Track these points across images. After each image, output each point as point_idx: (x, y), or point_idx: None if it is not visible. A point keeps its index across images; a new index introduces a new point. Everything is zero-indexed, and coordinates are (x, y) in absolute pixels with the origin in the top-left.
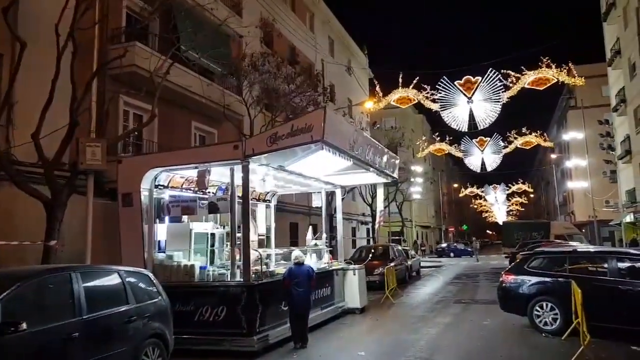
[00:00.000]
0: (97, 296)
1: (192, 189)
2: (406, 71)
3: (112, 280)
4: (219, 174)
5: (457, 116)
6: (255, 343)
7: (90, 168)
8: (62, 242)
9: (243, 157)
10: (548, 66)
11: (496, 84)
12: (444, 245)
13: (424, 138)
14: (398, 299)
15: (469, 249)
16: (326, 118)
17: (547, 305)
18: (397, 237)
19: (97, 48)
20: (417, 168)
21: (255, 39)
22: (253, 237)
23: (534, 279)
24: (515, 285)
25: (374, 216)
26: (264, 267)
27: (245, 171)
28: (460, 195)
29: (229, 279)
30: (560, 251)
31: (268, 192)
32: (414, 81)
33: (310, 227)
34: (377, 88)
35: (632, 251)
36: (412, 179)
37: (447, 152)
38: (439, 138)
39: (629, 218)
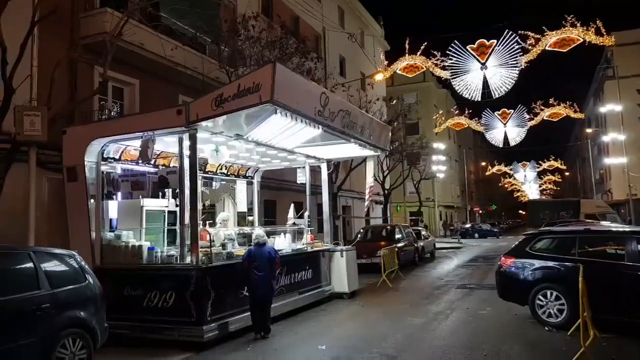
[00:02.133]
0: None
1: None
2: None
3: (20, 262)
4: (170, 144)
5: (469, 84)
6: (204, 333)
7: (29, 140)
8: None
9: (187, 123)
10: (573, 25)
11: (513, 47)
12: (467, 225)
13: (440, 112)
14: (397, 283)
15: (495, 230)
16: (276, 75)
17: (551, 294)
18: (415, 218)
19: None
20: (440, 145)
21: (252, 7)
22: (225, 216)
23: (537, 263)
24: (516, 270)
25: (386, 195)
26: (221, 248)
27: (193, 141)
28: (487, 173)
29: (177, 262)
30: (569, 230)
31: (249, 168)
32: (422, 47)
33: (292, 204)
34: (382, 57)
35: None
36: (434, 157)
37: (466, 126)
38: (457, 112)
39: None
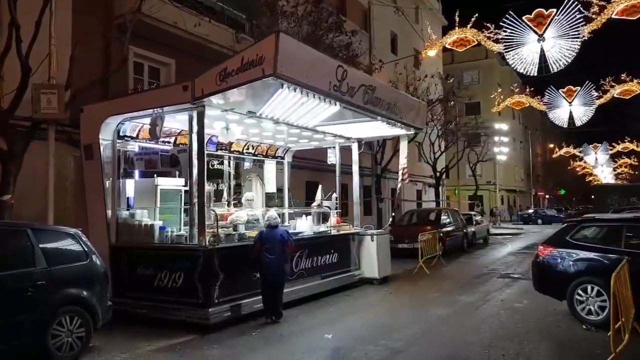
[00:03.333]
0: None
1: (165, 140)
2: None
3: (15, 239)
4: (185, 122)
5: (524, 57)
6: (210, 315)
7: (46, 117)
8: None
9: (192, 99)
10: None
11: (574, 17)
12: (530, 211)
13: (499, 90)
14: (437, 269)
15: (561, 216)
16: (279, 46)
17: (592, 288)
18: (473, 202)
19: None
20: (502, 126)
21: None
22: (250, 196)
23: (579, 254)
24: (554, 260)
25: (437, 178)
26: (232, 229)
27: (200, 118)
28: (554, 156)
29: (186, 242)
30: (616, 218)
31: (279, 148)
32: (472, 19)
33: (320, 186)
34: (430, 31)
35: None
36: (495, 138)
37: (527, 105)
38: (517, 89)
39: None
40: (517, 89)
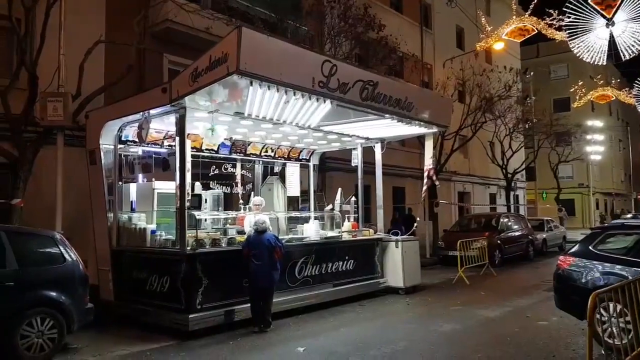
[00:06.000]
0: None
1: (165, 145)
2: None
3: None
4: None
5: (592, 45)
6: (190, 321)
7: (52, 124)
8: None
9: (170, 101)
10: None
11: None
12: (628, 215)
13: (580, 83)
14: (482, 280)
15: None
16: (242, 41)
17: (615, 307)
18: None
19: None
20: (596, 123)
21: None
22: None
23: (601, 266)
24: (574, 274)
25: (509, 181)
26: (219, 234)
27: (181, 120)
28: None
29: (172, 246)
30: None
31: (302, 150)
32: (531, 6)
33: (340, 189)
34: (484, 22)
35: None
36: (589, 136)
37: (613, 98)
38: (602, 82)
39: None
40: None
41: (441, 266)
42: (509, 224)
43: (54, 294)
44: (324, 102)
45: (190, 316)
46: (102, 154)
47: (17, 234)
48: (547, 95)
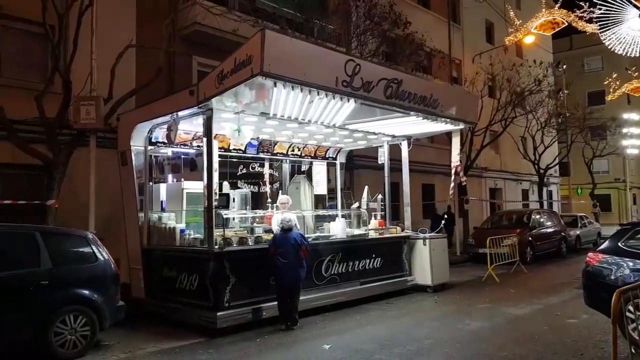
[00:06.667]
0: None
1: (194, 146)
2: None
3: (22, 241)
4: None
5: (624, 37)
6: (218, 319)
7: (85, 128)
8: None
9: (197, 103)
10: None
11: None
12: None
13: (614, 75)
14: (512, 277)
15: None
16: (266, 43)
17: None
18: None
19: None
20: (633, 115)
21: None
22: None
23: (632, 263)
24: (603, 270)
25: (541, 176)
26: (246, 232)
27: (208, 122)
28: None
29: (200, 245)
30: None
31: (328, 148)
32: None
33: (367, 187)
34: (512, 15)
35: None
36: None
37: None
38: (637, 74)
39: None
40: (637, 73)
41: (472, 264)
42: (541, 220)
43: (86, 292)
44: (348, 101)
45: (219, 314)
46: (133, 155)
47: (51, 234)
48: (582, 88)
